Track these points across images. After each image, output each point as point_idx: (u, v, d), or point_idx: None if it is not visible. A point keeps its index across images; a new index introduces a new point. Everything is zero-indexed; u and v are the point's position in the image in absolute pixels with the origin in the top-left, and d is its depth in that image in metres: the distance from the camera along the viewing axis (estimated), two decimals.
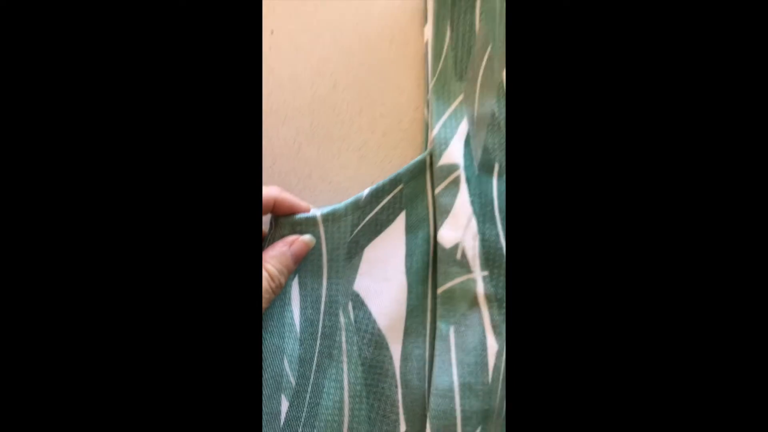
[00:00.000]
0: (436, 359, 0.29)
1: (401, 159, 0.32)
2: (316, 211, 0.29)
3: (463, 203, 0.29)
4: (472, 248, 0.29)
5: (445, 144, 0.30)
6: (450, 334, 0.29)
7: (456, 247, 0.29)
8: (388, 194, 0.30)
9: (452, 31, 0.31)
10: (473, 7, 0.31)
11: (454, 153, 0.30)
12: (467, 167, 0.30)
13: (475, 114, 0.31)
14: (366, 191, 0.30)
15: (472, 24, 0.31)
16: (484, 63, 0.31)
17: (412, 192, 0.30)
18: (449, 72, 0.31)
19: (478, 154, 0.31)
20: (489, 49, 0.31)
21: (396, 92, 0.32)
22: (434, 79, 0.31)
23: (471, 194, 0.30)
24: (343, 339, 0.30)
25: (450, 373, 0.29)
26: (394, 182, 0.30)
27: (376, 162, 0.32)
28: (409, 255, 0.30)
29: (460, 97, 0.31)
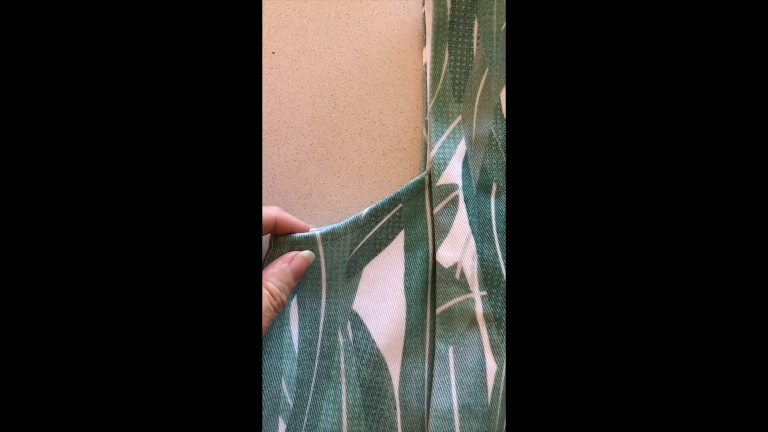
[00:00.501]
0: (435, 380, 0.28)
1: (400, 178, 0.32)
2: (316, 231, 0.29)
3: (461, 223, 0.29)
4: (470, 267, 0.29)
5: (443, 164, 0.30)
6: (449, 354, 0.29)
7: (455, 266, 0.29)
8: (387, 213, 0.30)
9: (450, 53, 0.32)
10: (471, 30, 0.32)
11: (453, 173, 0.30)
12: (465, 187, 0.30)
13: (473, 135, 0.31)
14: (365, 210, 0.30)
15: (470, 47, 0.32)
16: (481, 85, 0.32)
17: (411, 211, 0.31)
18: (447, 93, 0.32)
19: (476, 174, 0.31)
20: (486, 71, 0.32)
21: (395, 113, 0.33)
22: (433, 100, 0.32)
23: (470, 214, 0.30)
24: (342, 359, 0.29)
25: (449, 394, 0.28)
26: (393, 201, 0.30)
27: (375, 181, 0.32)
28: (408, 274, 0.30)
29: (458, 118, 0.31)
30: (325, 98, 0.33)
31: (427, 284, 0.30)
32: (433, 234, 0.30)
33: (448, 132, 0.31)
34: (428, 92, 0.32)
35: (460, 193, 0.30)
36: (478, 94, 0.32)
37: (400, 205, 0.30)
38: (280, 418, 0.28)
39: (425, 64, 0.32)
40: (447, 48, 0.32)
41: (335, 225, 0.30)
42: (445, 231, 0.30)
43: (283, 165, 0.33)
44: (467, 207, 0.30)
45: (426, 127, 0.32)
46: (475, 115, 0.31)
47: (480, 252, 0.30)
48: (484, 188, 0.31)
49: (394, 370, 0.29)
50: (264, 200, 0.33)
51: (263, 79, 0.33)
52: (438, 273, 0.29)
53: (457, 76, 0.32)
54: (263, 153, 0.33)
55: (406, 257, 0.30)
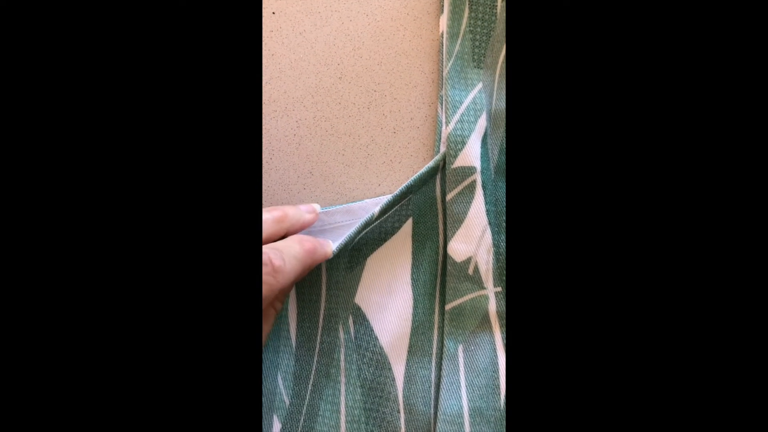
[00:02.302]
0: (444, 381, 0.26)
1: (412, 159, 0.29)
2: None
3: (477, 212, 0.27)
4: (485, 262, 0.26)
5: (461, 142, 0.27)
6: (458, 353, 0.27)
7: (468, 261, 0.26)
8: (398, 204, 0.27)
9: (471, 9, 0.28)
10: None
11: (471, 153, 0.27)
12: (484, 170, 0.27)
13: (493, 108, 0.28)
14: (377, 209, 0.27)
15: (493, 3, 0.28)
16: (503, 50, 0.28)
17: (421, 198, 0.28)
18: (466, 57, 0.28)
19: (494, 154, 0.28)
20: None
21: (408, 87, 0.30)
22: (450, 62, 0.28)
23: (487, 202, 0.27)
24: (342, 357, 0.27)
25: (458, 396, 0.26)
26: (404, 194, 0.27)
27: (384, 161, 0.30)
28: (415, 266, 0.28)
29: (479, 86, 0.28)
30: (331, 67, 0.30)
31: (436, 277, 0.28)
32: (444, 223, 0.28)
33: (467, 102, 0.27)
34: (444, 55, 0.28)
35: (477, 177, 0.27)
36: (500, 60, 0.28)
37: (411, 195, 0.27)
38: (275, 416, 0.26)
39: (442, 33, 0.29)
40: (467, 3, 0.28)
41: (348, 235, 0.26)
42: (459, 221, 0.27)
43: (282, 140, 0.30)
44: (485, 194, 0.27)
45: (441, 103, 0.29)
46: (495, 85, 0.28)
47: (496, 245, 0.27)
48: (502, 172, 0.28)
49: (398, 369, 0.27)
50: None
51: (262, 44, 0.30)
52: (449, 267, 0.27)
53: (478, 37, 0.28)
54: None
55: (413, 247, 0.28)
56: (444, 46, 0.28)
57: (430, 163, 0.27)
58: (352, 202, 0.29)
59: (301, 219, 0.26)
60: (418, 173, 0.27)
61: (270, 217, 0.25)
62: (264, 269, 0.22)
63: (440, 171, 0.28)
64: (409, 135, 0.30)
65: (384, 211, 0.27)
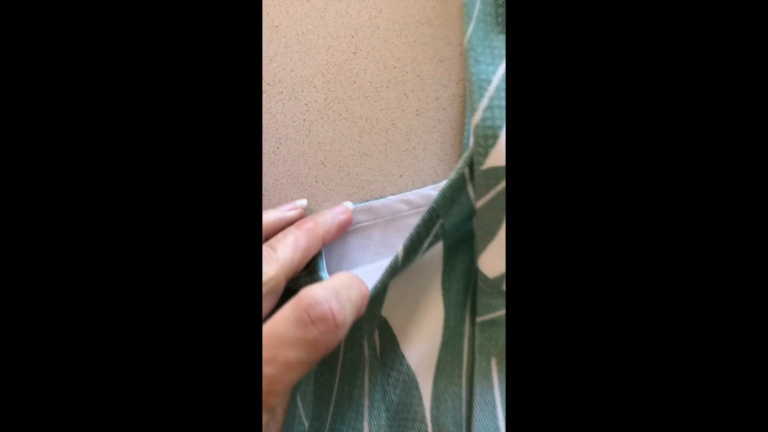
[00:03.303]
0: (477, 400, 0.23)
1: (438, 145, 0.26)
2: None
3: None
4: None
5: (492, 137, 0.21)
6: (492, 367, 0.24)
7: (502, 277, 0.23)
8: (426, 237, 0.23)
9: None
10: None
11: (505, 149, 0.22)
12: None
13: None
14: (400, 250, 0.23)
15: None
16: None
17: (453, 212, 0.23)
18: (489, 19, 0.22)
19: None
20: None
21: (433, 61, 0.26)
22: (471, 27, 0.22)
23: None
24: (366, 376, 0.24)
25: (494, 416, 0.23)
26: (430, 221, 0.23)
27: (406, 148, 0.26)
28: (446, 273, 0.24)
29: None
30: (344, 40, 0.26)
31: (469, 284, 0.25)
32: (477, 229, 0.23)
33: (496, 81, 0.21)
34: (465, 15, 0.23)
35: None
36: None
37: (441, 221, 0.23)
38: None
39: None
40: None
41: (376, 283, 0.23)
42: (491, 233, 0.22)
43: (289, 126, 0.26)
44: None
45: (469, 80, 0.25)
46: None
47: None
48: None
49: (426, 388, 0.24)
50: (264, 170, 0.27)
51: (263, 13, 0.26)
52: (480, 283, 0.23)
53: None
54: (264, 110, 0.27)
55: (444, 253, 0.24)
56: (464, 5, 0.23)
57: (453, 174, 0.22)
58: (372, 198, 0.26)
59: (335, 222, 0.24)
60: (441, 190, 0.22)
61: (301, 232, 0.23)
62: (323, 325, 0.18)
63: (469, 171, 0.23)
64: (434, 117, 0.26)
65: (409, 249, 0.23)
